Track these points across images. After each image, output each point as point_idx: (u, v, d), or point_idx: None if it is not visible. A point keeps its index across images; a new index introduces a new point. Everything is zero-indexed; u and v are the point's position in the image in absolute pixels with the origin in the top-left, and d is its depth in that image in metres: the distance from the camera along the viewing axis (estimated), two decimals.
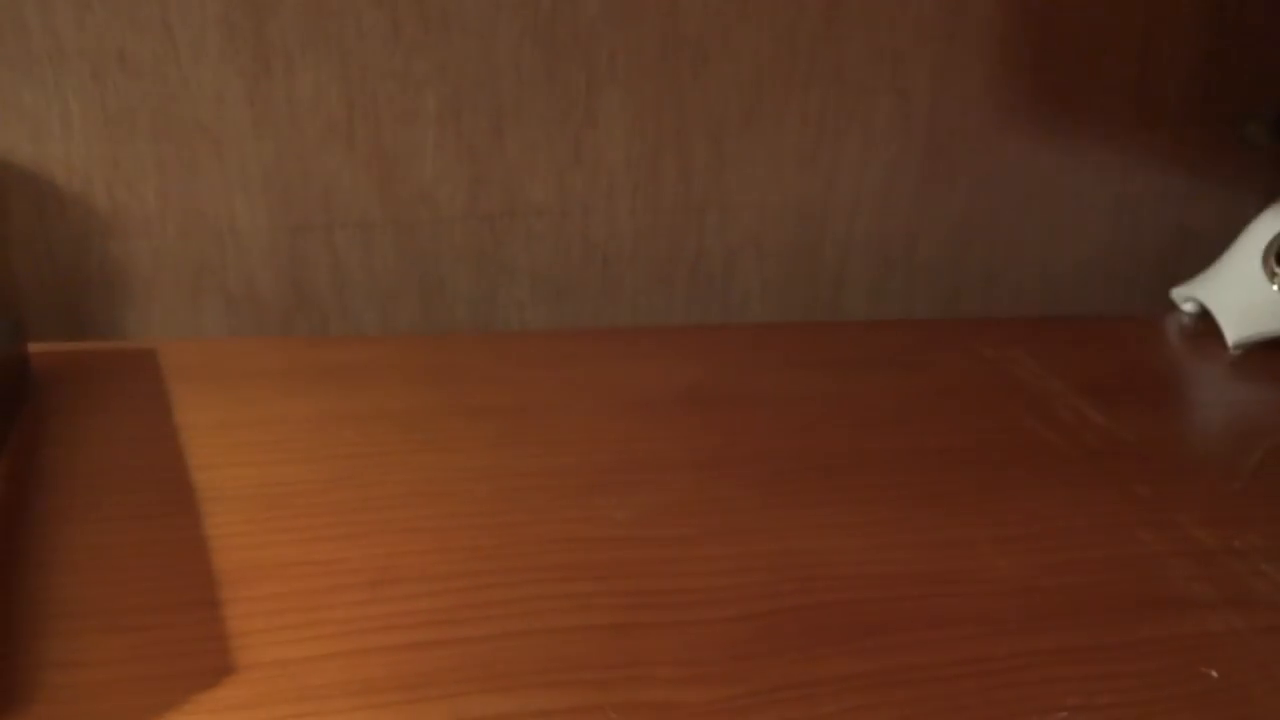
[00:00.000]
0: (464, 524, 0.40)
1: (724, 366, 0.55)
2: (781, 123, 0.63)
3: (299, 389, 0.49)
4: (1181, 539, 0.41)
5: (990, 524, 0.42)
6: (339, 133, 0.57)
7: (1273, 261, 0.59)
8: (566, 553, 0.39)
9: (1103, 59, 0.66)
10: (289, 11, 0.54)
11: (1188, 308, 0.65)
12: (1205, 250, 0.66)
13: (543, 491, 0.43)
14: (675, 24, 0.59)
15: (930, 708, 0.32)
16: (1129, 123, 0.68)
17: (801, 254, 0.66)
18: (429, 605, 0.36)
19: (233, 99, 0.55)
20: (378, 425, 0.47)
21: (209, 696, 0.31)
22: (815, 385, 0.53)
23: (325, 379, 0.51)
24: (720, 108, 0.61)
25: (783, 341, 0.59)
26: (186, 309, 0.59)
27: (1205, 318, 0.62)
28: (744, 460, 0.46)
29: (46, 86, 0.53)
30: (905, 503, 0.43)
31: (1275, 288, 0.58)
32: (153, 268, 0.58)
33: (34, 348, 0.49)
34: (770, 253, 0.66)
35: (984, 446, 0.48)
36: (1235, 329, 0.59)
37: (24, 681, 0.31)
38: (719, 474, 0.45)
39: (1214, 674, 0.35)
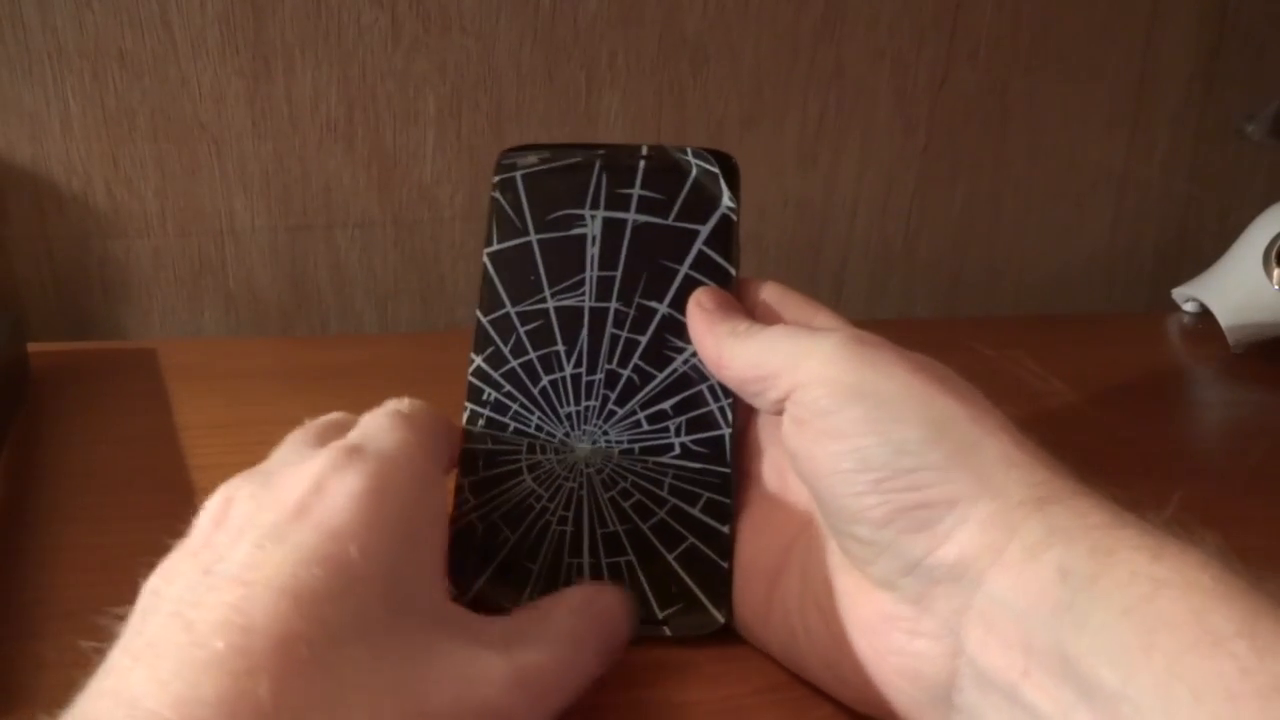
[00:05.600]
0: None
1: None
2: (781, 123, 0.63)
3: (299, 389, 0.49)
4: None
5: None
6: (339, 133, 0.57)
7: (1273, 261, 0.59)
8: None
9: (1103, 59, 0.66)
10: (289, 11, 0.54)
11: (1188, 308, 0.65)
12: (1205, 250, 0.66)
13: None
14: (675, 24, 0.59)
15: None
16: (1129, 122, 0.68)
17: (801, 254, 0.67)
18: None
19: (233, 99, 0.55)
20: None
21: None
22: None
23: (325, 379, 0.51)
24: (720, 108, 0.61)
25: None
26: (186, 309, 0.59)
27: (1205, 318, 0.62)
28: None
29: (46, 86, 0.53)
30: None
31: (1276, 288, 0.58)
32: (153, 267, 0.58)
33: (34, 347, 0.49)
34: (770, 252, 0.66)
35: None
36: (1235, 329, 0.59)
37: (24, 681, 0.31)
38: None
39: None
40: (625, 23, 0.58)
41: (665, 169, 0.36)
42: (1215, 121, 0.69)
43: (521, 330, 0.35)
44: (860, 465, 0.28)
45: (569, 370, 0.35)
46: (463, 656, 0.25)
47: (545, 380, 0.35)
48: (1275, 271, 0.58)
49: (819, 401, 0.29)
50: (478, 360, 0.35)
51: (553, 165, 0.36)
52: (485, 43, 0.57)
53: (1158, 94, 0.67)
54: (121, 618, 0.24)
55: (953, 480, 0.27)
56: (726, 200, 0.36)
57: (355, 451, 0.27)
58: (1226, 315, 0.59)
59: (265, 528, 0.24)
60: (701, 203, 0.36)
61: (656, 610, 0.33)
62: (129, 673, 0.21)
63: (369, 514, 0.25)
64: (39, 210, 0.55)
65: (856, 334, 0.31)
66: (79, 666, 0.22)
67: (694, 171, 0.36)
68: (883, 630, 0.28)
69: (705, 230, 0.36)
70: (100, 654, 0.23)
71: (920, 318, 0.69)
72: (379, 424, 0.29)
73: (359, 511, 0.25)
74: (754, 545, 0.33)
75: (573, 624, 0.29)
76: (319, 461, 0.26)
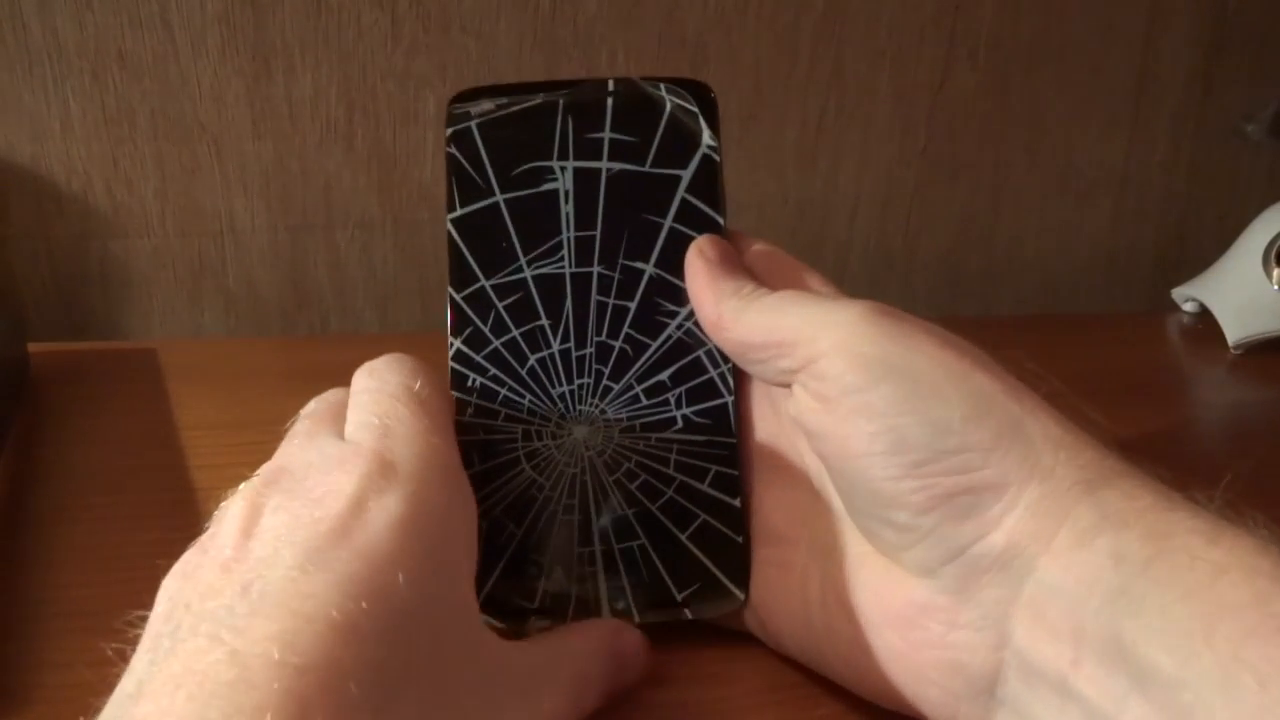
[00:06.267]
0: None
1: None
2: (781, 123, 0.63)
3: (299, 389, 0.49)
4: None
5: None
6: (339, 133, 0.57)
7: (1273, 261, 0.59)
8: None
9: (1103, 58, 0.66)
10: (289, 11, 0.54)
11: (1188, 308, 0.65)
12: (1205, 250, 0.66)
13: None
14: (675, 24, 0.59)
15: None
16: (1129, 122, 0.68)
17: (801, 254, 0.66)
18: None
19: (233, 99, 0.55)
20: None
21: None
22: None
23: (325, 379, 0.50)
24: (720, 107, 0.61)
25: None
26: (186, 309, 0.59)
27: (1205, 318, 0.62)
28: None
29: (46, 86, 0.53)
30: None
31: (1275, 288, 0.58)
32: (152, 267, 0.58)
33: (33, 347, 0.49)
34: None
35: None
36: (1235, 329, 0.59)
37: (24, 681, 0.31)
38: None
39: None
40: (625, 23, 0.58)
41: (636, 106, 0.33)
42: (1215, 121, 0.69)
43: (500, 305, 0.32)
44: (896, 446, 0.26)
45: (557, 346, 0.32)
46: (499, 706, 0.24)
47: (533, 359, 0.32)
48: (1275, 271, 0.58)
49: (845, 377, 0.27)
50: (456, 343, 0.32)
51: (511, 110, 0.32)
52: (485, 43, 0.57)
53: (1158, 94, 0.67)
54: (143, 619, 0.24)
55: (1000, 462, 0.25)
56: (707, 139, 0.33)
57: (390, 468, 0.25)
58: (1226, 315, 0.59)
59: (304, 547, 0.23)
60: (680, 143, 0.33)
61: (674, 593, 0.31)
62: (171, 699, 0.20)
63: (413, 542, 0.24)
64: (39, 210, 0.55)
65: (878, 305, 0.29)
66: (80, 667, 0.22)
67: (668, 107, 0.33)
68: (917, 621, 0.26)
69: (687, 175, 0.33)
70: (122, 656, 0.23)
71: (920, 317, 0.69)
72: (399, 416, 0.27)
73: (403, 539, 0.24)
74: (760, 528, 0.32)
75: (585, 666, 0.28)
76: (354, 476, 0.25)
